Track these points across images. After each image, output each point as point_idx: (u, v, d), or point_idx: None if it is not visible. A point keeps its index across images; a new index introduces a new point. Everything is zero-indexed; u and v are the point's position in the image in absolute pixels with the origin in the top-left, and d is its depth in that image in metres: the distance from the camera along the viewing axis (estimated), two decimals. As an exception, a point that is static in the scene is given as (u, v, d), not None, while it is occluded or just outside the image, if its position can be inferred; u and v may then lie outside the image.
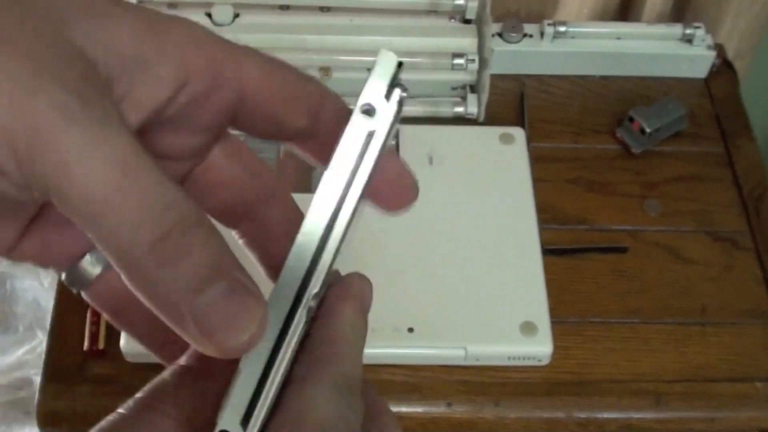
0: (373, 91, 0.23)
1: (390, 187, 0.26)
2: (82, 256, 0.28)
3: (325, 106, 0.26)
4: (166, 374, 0.25)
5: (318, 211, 0.23)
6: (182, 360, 0.25)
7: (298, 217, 0.27)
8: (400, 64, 0.24)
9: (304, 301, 0.23)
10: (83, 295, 0.28)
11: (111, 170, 0.20)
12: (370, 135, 0.23)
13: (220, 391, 0.23)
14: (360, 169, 0.23)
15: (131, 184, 0.20)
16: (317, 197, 0.23)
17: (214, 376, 0.24)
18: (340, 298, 0.25)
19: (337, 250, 0.23)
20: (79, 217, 0.20)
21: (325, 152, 0.26)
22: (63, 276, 0.28)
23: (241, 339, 0.21)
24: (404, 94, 0.24)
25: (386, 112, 0.23)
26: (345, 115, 0.25)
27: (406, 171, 0.27)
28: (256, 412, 0.22)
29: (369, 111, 0.23)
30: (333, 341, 0.24)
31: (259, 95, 0.25)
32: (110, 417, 0.23)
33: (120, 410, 0.23)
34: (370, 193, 0.25)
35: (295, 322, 0.23)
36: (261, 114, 0.25)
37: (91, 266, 0.28)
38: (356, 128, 0.23)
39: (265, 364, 0.22)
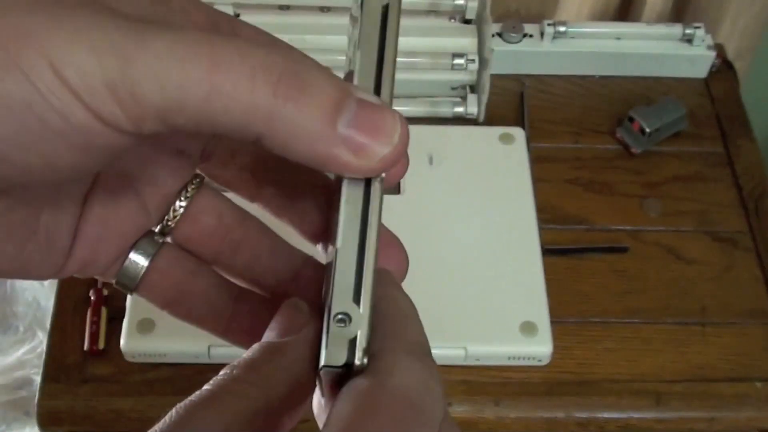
0: None
1: None
2: (123, 260, 0.28)
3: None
4: (250, 353, 0.25)
5: (363, 80, 0.24)
6: (266, 338, 0.25)
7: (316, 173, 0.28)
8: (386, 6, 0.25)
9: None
10: (140, 293, 0.29)
11: (202, 50, 0.20)
12: (386, 8, 0.25)
13: (289, 381, 0.24)
14: (388, 39, 0.25)
15: (227, 52, 0.21)
16: (358, 69, 0.24)
17: (303, 356, 0.25)
18: (382, 284, 0.26)
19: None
20: (192, 104, 0.21)
21: None
22: (114, 281, 0.28)
23: (393, 143, 0.22)
24: None
25: None
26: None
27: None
28: (363, 291, 0.23)
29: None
30: (394, 317, 0.24)
31: None
32: (179, 405, 0.23)
33: (191, 398, 0.23)
34: None
35: (372, 198, 0.24)
36: None
37: (135, 265, 0.28)
38: (371, 4, 0.25)
39: (359, 246, 0.23)
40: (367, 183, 0.23)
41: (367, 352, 0.23)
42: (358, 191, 0.23)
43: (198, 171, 0.29)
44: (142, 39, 0.20)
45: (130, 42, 0.20)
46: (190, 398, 0.22)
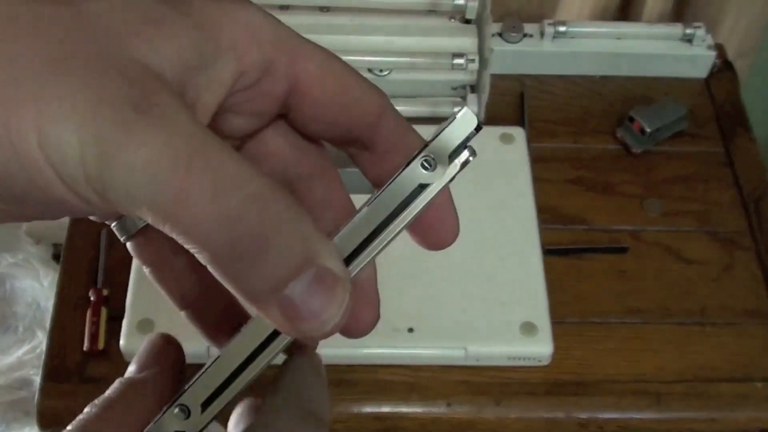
0: (442, 145, 0.23)
1: (435, 229, 0.27)
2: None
3: (385, 118, 0.25)
4: (110, 391, 0.25)
5: (346, 241, 0.22)
6: (128, 373, 0.26)
7: (341, 197, 0.28)
8: (478, 128, 0.23)
9: None
10: (128, 246, 0.28)
11: (174, 170, 0.19)
12: (422, 188, 0.22)
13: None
14: (399, 218, 0.23)
15: (199, 179, 0.19)
16: (349, 227, 0.22)
17: (160, 390, 0.25)
18: (298, 353, 0.26)
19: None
20: (155, 219, 0.20)
21: (379, 169, 0.26)
22: (113, 225, 0.28)
23: (324, 329, 0.21)
24: (470, 159, 0.23)
25: (447, 170, 0.23)
26: (404, 131, 0.25)
27: (455, 215, 0.27)
28: (214, 404, 0.23)
29: (429, 164, 0.22)
30: (292, 380, 0.25)
31: (314, 89, 0.25)
32: None
33: (68, 427, 0.23)
34: (414, 228, 0.25)
35: (276, 341, 0.23)
36: (314, 110, 0.25)
37: (133, 223, 0.28)
38: (410, 176, 0.22)
39: (242, 363, 0.23)
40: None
41: None
42: (264, 330, 0.23)
43: None
44: (125, 143, 0.19)
45: (113, 141, 0.19)
46: None
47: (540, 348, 0.67)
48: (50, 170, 0.20)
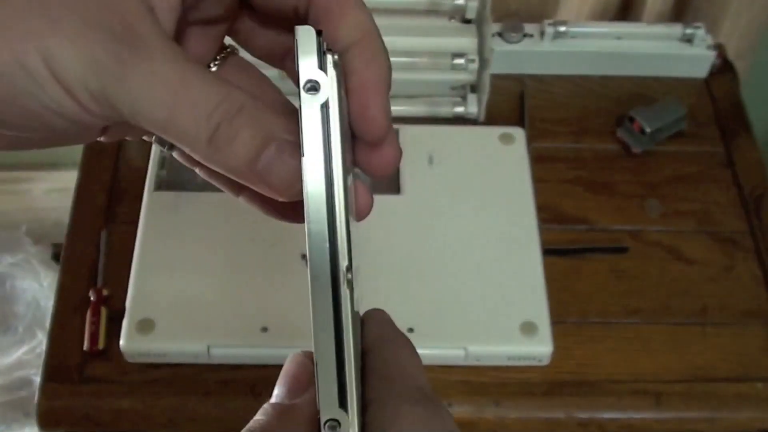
0: (308, 67, 0.25)
1: (374, 155, 0.28)
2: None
3: None
4: (262, 417, 0.26)
5: (315, 193, 0.24)
6: (276, 397, 0.27)
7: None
8: (319, 33, 0.25)
9: (341, 278, 0.24)
10: (174, 154, 0.32)
11: (165, 96, 0.25)
12: (325, 106, 0.24)
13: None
14: (332, 141, 0.25)
15: (182, 101, 0.25)
16: (308, 182, 0.24)
17: (312, 415, 0.26)
18: (378, 325, 0.27)
19: (347, 220, 0.25)
20: (155, 131, 0.26)
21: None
22: (154, 138, 0.31)
23: (297, 186, 0.25)
24: (335, 57, 0.25)
25: (327, 80, 0.25)
26: None
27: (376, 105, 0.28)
28: (348, 393, 0.24)
29: (314, 87, 0.25)
30: (389, 362, 0.26)
31: None
32: None
33: None
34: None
35: (342, 301, 0.24)
36: None
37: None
38: (309, 107, 0.25)
39: (336, 348, 0.24)
40: (335, 286, 0.24)
41: None
42: (327, 293, 0.24)
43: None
44: (121, 74, 0.25)
45: (110, 70, 0.24)
46: None
47: (540, 348, 0.67)
48: (56, 82, 0.24)
